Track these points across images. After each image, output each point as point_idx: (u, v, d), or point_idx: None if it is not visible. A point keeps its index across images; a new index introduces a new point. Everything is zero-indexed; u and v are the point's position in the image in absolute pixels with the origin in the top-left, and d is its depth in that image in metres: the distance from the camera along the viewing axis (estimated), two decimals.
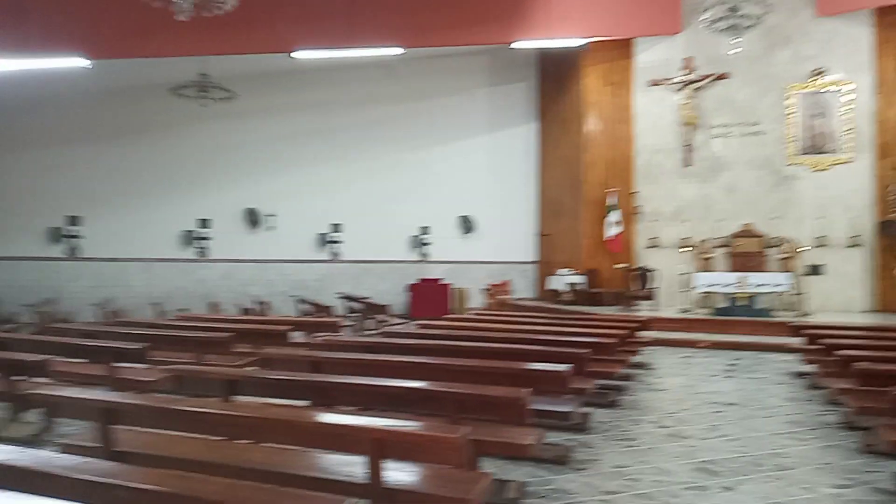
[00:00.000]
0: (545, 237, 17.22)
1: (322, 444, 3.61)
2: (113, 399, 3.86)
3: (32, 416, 6.15)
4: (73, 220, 15.22)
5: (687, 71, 14.47)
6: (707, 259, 13.61)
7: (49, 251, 15.17)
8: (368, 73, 16.07)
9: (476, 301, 16.47)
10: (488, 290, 15.68)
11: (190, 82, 12.34)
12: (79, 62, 8.97)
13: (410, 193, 16.89)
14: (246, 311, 12.86)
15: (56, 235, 15.10)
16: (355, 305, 13.69)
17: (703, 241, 13.83)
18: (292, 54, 9.58)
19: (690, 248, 13.86)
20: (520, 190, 17.61)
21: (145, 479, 2.47)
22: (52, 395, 4.12)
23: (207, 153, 15.72)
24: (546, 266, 16.80)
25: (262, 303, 13.31)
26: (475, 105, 17.55)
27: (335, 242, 16.53)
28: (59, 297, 14.73)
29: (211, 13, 7.84)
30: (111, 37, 9.01)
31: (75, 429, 6.02)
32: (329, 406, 4.57)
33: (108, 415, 3.83)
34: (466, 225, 17.29)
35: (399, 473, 3.45)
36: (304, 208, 16.19)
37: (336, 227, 16.52)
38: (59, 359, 6.43)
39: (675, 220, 14.73)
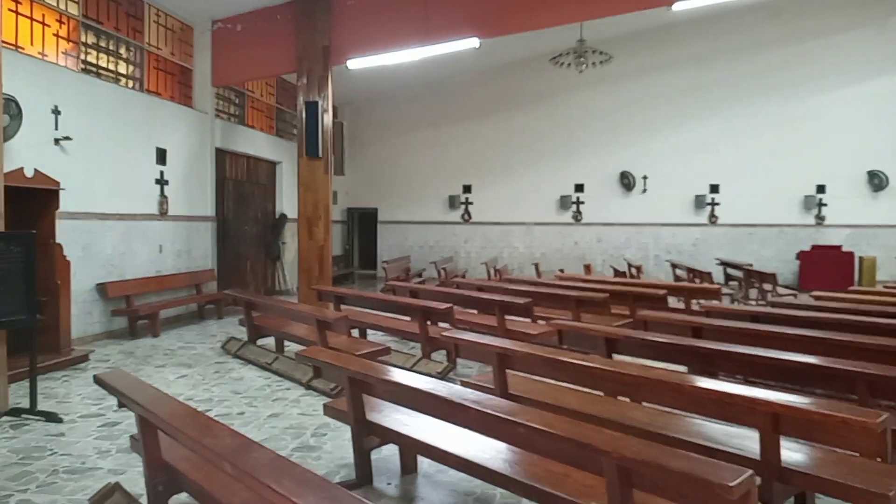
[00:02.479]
0: None
1: (707, 412, 3.44)
2: (508, 346, 4.21)
3: (438, 355, 7.18)
4: (467, 188, 17.12)
5: None
6: None
7: (448, 216, 17.36)
8: (750, 17, 14.60)
9: (890, 273, 13.97)
10: None
11: (567, 50, 12.73)
12: (471, 43, 9.86)
13: (801, 148, 14.95)
14: (619, 274, 12.97)
15: (454, 202, 17.19)
16: (735, 273, 12.78)
17: None
18: (673, 7, 9.12)
19: None
20: None
21: (542, 421, 2.64)
22: (457, 338, 4.69)
23: (583, 118, 16.13)
24: None
25: (635, 266, 13.28)
26: (886, 37, 14.66)
27: (713, 205, 15.54)
28: (456, 256, 16.85)
29: None
30: (499, 15, 9.71)
31: (471, 370, 6.85)
32: (710, 374, 4.33)
33: (503, 360, 4.23)
34: (876, 181, 14.68)
35: (796, 454, 3.13)
36: (679, 169, 15.54)
37: (714, 189, 15.52)
38: (457, 308, 7.35)
39: None
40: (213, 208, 11.54)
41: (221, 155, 11.90)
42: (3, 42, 7.37)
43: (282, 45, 10.65)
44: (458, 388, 3.30)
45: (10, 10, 7.60)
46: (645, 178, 15.83)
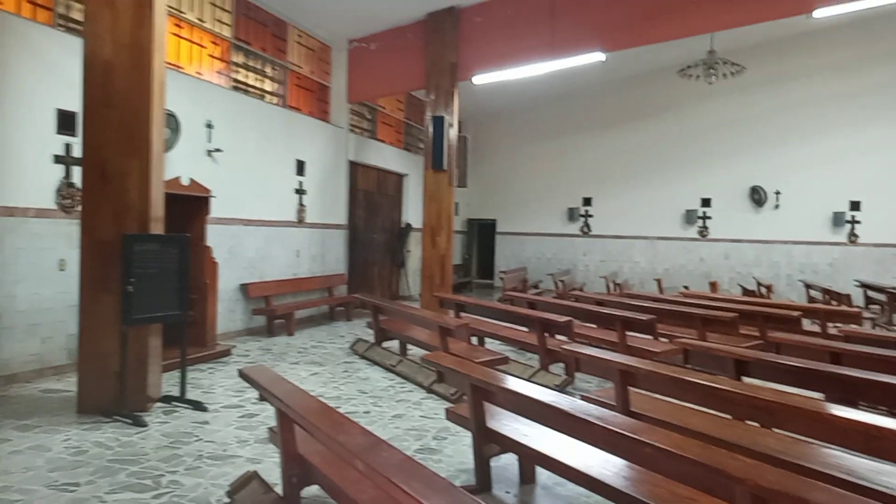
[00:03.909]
0: None
1: (849, 444, 3.25)
2: (631, 363, 4.17)
3: (555, 367, 7.17)
4: (587, 201, 16.91)
5: None
6: None
7: (566, 228, 17.21)
8: None
9: None
10: None
11: (697, 61, 12.33)
12: (597, 57, 9.80)
13: None
14: (748, 293, 12.35)
15: (573, 214, 17.03)
16: (877, 296, 11.81)
17: None
18: (814, 13, 8.62)
19: None
20: None
21: (671, 442, 2.61)
22: (578, 352, 4.69)
23: (712, 131, 15.50)
24: None
25: (764, 285, 12.60)
26: None
27: (853, 222, 14.43)
28: (574, 269, 16.67)
29: None
30: (625, 28, 9.57)
31: (590, 384, 6.80)
32: (849, 403, 4.08)
33: (626, 376, 4.19)
34: None
35: None
36: (816, 184, 14.53)
37: (854, 205, 14.40)
38: (575, 321, 7.30)
39: None
40: (345, 217, 12.14)
41: (354, 167, 12.50)
42: (167, 63, 8.16)
43: (412, 63, 11.06)
44: (580, 402, 3.31)
45: (173, 34, 8.40)
46: (778, 193, 14.95)
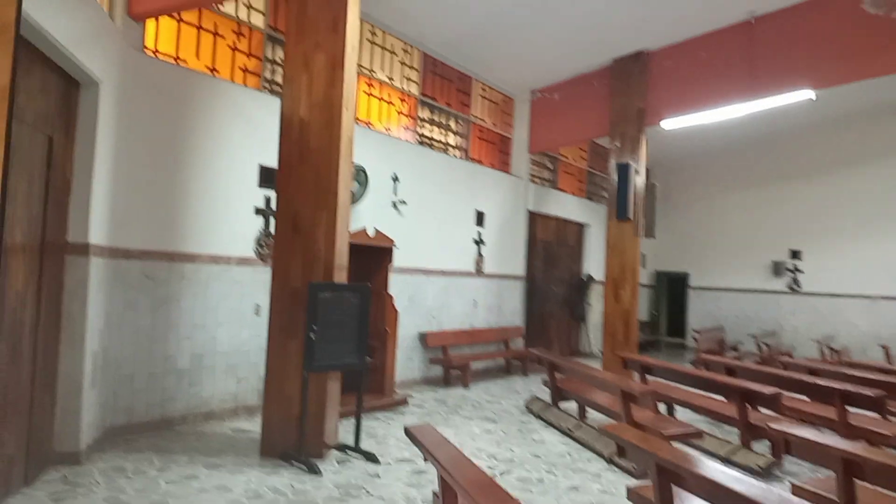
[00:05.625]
0: None
1: None
2: (858, 452, 3.44)
3: (759, 445, 6.29)
4: (795, 254, 15.22)
5: None
6: None
7: (770, 284, 15.58)
8: None
9: None
10: None
11: None
12: (804, 95, 8.82)
13: None
14: None
15: (778, 269, 15.39)
16: None
17: None
18: None
19: None
20: None
21: None
22: (789, 433, 3.99)
23: None
24: None
25: None
26: None
27: None
28: (780, 330, 14.98)
29: None
30: (838, 62, 8.52)
31: (800, 467, 5.86)
32: None
33: (850, 467, 3.47)
34: None
35: None
36: None
37: None
38: (784, 392, 6.38)
39: None
40: (523, 268, 11.96)
41: (533, 217, 12.34)
42: (358, 120, 8.61)
43: (595, 110, 10.76)
44: (795, 500, 2.72)
45: (364, 92, 8.87)
46: None
